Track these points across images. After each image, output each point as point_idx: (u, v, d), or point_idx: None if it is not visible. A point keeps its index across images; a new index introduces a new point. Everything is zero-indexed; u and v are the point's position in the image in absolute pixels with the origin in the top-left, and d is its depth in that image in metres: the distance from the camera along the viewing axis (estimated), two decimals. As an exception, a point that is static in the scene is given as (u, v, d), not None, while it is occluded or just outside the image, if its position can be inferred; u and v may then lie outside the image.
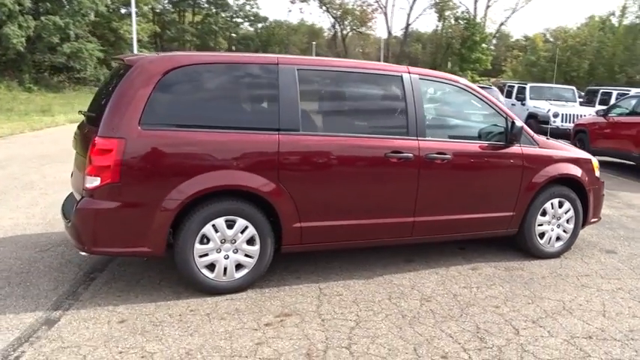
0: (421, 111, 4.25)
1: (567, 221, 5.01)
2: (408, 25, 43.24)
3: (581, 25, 45.08)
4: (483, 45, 42.90)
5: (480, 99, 4.61)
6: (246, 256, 3.88)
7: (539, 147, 4.79)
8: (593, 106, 16.42)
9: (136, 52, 26.34)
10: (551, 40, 50.55)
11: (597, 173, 5.18)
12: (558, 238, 5.00)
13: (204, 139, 3.67)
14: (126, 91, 3.56)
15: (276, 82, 3.86)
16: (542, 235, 4.92)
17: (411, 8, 47.29)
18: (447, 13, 44.78)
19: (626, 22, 41.12)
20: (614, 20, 42.52)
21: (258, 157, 3.79)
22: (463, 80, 4.69)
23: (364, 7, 41.57)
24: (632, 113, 10.24)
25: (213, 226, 3.74)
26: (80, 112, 4.33)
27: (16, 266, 4.32)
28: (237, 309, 3.66)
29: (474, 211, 4.56)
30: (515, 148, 4.62)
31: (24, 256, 4.57)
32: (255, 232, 3.85)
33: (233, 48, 44.83)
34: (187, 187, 3.61)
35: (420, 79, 4.35)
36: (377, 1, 41.61)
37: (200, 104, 3.78)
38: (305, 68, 4.00)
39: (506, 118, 4.62)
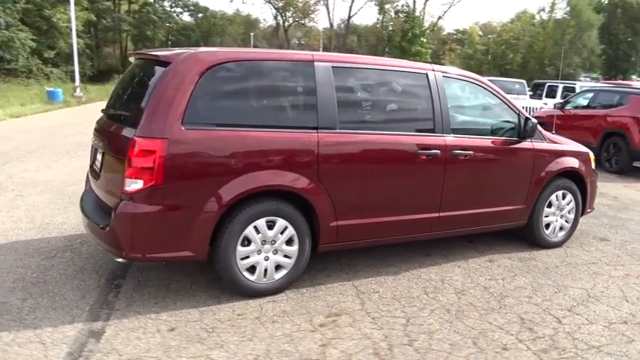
0: (446, 108, 4.33)
1: (569, 212, 5.26)
2: (349, 17, 43.64)
3: (510, 19, 47.25)
4: (423, 39, 43.91)
5: (495, 95, 4.74)
6: (285, 256, 3.82)
7: (547, 142, 4.99)
8: (541, 99, 17.21)
9: (75, 42, 25.09)
10: (481, 34, 52.53)
11: (593, 165, 5.46)
12: (561, 229, 5.24)
13: (247, 139, 3.58)
14: (167, 88, 3.40)
15: (313, 80, 3.81)
16: (547, 225, 5.14)
17: (353, 1, 47.38)
18: (387, 6, 45.54)
19: (555, 17, 43.29)
20: (545, 15, 44.73)
21: (299, 156, 3.73)
22: (479, 77, 4.81)
23: (307, -1, 41.67)
24: (589, 107, 10.83)
25: (255, 227, 3.66)
26: (103, 110, 4.09)
27: (29, 275, 4.05)
28: (284, 311, 3.60)
29: (490, 205, 4.70)
30: (527, 143, 4.79)
31: (31, 264, 4.29)
32: (295, 232, 3.80)
33: (171, 38, 43.64)
34: (232, 188, 3.51)
35: (444, 76, 4.42)
36: (319, -7, 41.77)
37: (240, 102, 3.67)
38: (339, 65, 3.97)
39: (519, 115, 4.78)
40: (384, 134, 4.08)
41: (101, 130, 4.00)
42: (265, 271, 3.76)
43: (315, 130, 3.78)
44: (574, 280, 4.37)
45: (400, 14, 44.62)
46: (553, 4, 43.55)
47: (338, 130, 3.85)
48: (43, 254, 4.52)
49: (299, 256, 3.85)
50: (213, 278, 4.02)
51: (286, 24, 43.32)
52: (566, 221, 5.27)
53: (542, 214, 5.05)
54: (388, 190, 4.14)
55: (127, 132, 3.50)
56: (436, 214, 4.38)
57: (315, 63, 3.86)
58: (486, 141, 4.60)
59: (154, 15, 41.33)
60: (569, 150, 5.16)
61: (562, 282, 4.32)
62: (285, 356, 3.03)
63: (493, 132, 4.71)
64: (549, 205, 5.10)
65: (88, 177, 4.54)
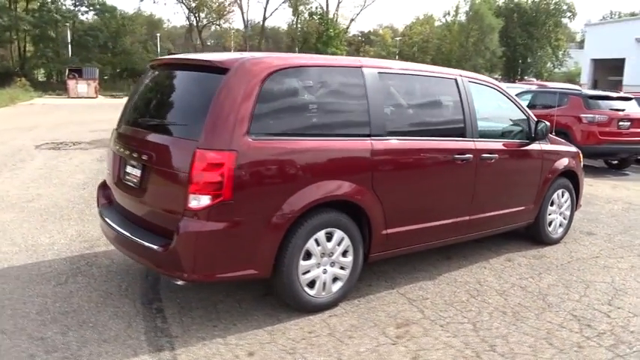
0: (474, 113, 4.41)
1: (566, 209, 5.56)
2: (264, 18, 43.40)
3: (412, 23, 49.11)
4: (338, 40, 44.67)
5: (508, 98, 4.90)
6: (341, 268, 3.72)
7: (550, 143, 5.23)
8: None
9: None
10: (378, 37, 54.16)
11: (581, 164, 5.81)
12: (560, 225, 5.52)
13: (310, 148, 3.44)
14: (230, 96, 3.18)
15: (364, 86, 3.74)
16: (550, 223, 5.39)
17: (267, 2, 47.14)
18: (301, 8, 45.78)
19: (459, 20, 45.65)
20: (450, 19, 47.04)
21: (357, 165, 3.65)
22: (495, 81, 4.95)
23: (221, 0, 40.81)
24: (530, 107, 11.50)
25: (316, 240, 3.52)
26: (141, 120, 3.73)
27: (52, 305, 3.64)
28: (352, 325, 3.50)
29: (509, 206, 4.85)
30: (536, 145, 5.00)
31: (46, 292, 3.86)
32: (350, 243, 3.70)
33: (76, 38, 40.95)
34: (298, 200, 3.36)
35: (469, 81, 4.50)
36: (232, -6, 41.13)
37: (298, 110, 3.52)
38: (383, 71, 3.92)
39: (528, 117, 4.98)
40: (425, 140, 4.09)
41: (133, 140, 3.66)
42: (324, 284, 3.63)
43: (369, 138, 3.71)
44: (593, 275, 4.61)
45: (314, 16, 45.07)
46: (457, 8, 46.01)
47: (387, 137, 3.80)
48: (52, 280, 4.08)
49: (353, 267, 3.76)
50: (258, 294, 3.85)
51: (200, 25, 42.21)
52: (564, 218, 5.56)
53: (547, 212, 5.29)
54: (430, 195, 4.16)
55: (181, 143, 3.23)
56: (468, 217, 4.46)
57: (364, 69, 3.79)
58: (505, 144, 4.74)
59: (57, 14, 38.61)
60: (566, 150, 5.45)
61: (584, 277, 4.54)
62: (385, 373, 2.93)
63: (509, 135, 4.86)
64: (552, 204, 5.35)
65: (102, 191, 4.16)
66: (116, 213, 3.89)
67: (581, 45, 55.47)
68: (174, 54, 4.41)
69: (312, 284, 3.58)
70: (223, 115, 3.14)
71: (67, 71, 34.54)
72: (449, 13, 46.85)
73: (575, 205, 5.67)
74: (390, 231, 3.89)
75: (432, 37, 44.67)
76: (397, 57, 40.87)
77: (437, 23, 48.83)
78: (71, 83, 31.99)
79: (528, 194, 5.03)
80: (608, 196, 8.15)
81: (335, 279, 3.71)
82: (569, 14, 48.65)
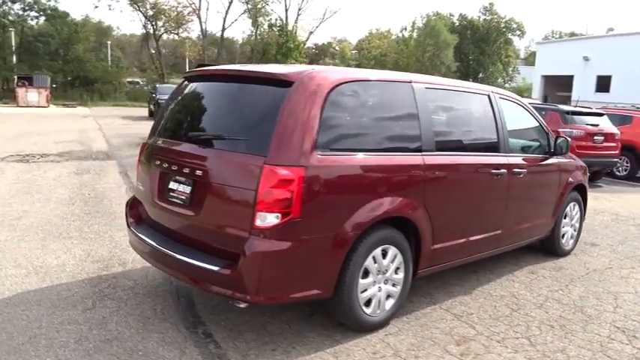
0: (505, 128, 4.46)
1: (576, 221, 5.69)
2: (223, 29, 42.95)
3: (365, 37, 49.77)
4: (297, 52, 44.75)
5: (530, 114, 4.99)
6: (393, 285, 3.65)
7: (564, 158, 5.35)
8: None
9: None
10: (337, 50, 54.82)
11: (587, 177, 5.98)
12: (571, 237, 5.65)
13: (373, 164, 3.37)
14: (297, 110, 3.07)
15: (414, 101, 3.71)
16: (563, 235, 5.50)
17: (227, 12, 46.60)
18: (260, 19, 45.61)
19: (415, 36, 46.72)
20: (406, 33, 48.07)
21: (412, 181, 3.60)
22: (518, 97, 5.02)
23: (180, 9, 40.12)
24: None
25: (373, 257, 3.45)
26: (190, 133, 3.53)
27: (88, 332, 3.40)
28: (412, 344, 3.43)
29: (532, 220, 4.92)
30: (555, 160, 5.10)
31: (76, 318, 3.61)
32: (402, 260, 3.65)
33: (22, 43, 39.22)
34: (361, 217, 3.28)
35: (500, 98, 4.55)
36: (191, 4, 40.41)
37: (358, 124, 3.44)
38: (429, 87, 3.91)
39: (547, 132, 5.08)
40: (467, 155, 4.10)
41: (180, 155, 3.46)
42: (378, 302, 3.55)
43: (420, 153, 3.67)
44: (615, 286, 4.72)
45: (274, 28, 44.97)
46: (414, 23, 47.08)
47: (436, 152, 3.78)
48: (78, 305, 3.82)
49: (404, 283, 3.71)
50: (304, 314, 3.74)
51: (157, 33, 41.31)
52: (574, 230, 5.69)
53: (561, 225, 5.40)
54: (471, 210, 4.16)
55: (244, 159, 3.09)
56: (500, 232, 4.48)
57: (413, 84, 3.76)
58: (530, 158, 4.81)
59: (4, 18, 36.89)
60: (577, 164, 5.58)
61: (609, 288, 4.64)
62: (467, 393, 2.87)
63: (530, 149, 4.94)
64: (565, 216, 5.46)
65: (131, 208, 3.94)
66: (154, 231, 3.68)
67: (525, 62, 57.86)
68: (206, 65, 4.18)
69: (367, 303, 3.49)
70: (291, 129, 3.03)
71: (15, 79, 33.00)
72: (405, 29, 47.98)
73: (583, 217, 5.82)
74: (436, 246, 3.86)
75: (389, 51, 45.49)
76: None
77: (392, 37, 49.79)
78: (21, 91, 30.52)
79: (548, 207, 5.12)
80: (593, 207, 8.41)
81: (387, 296, 3.63)
82: (518, 32, 50.64)
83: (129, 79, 46.92)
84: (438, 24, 43.82)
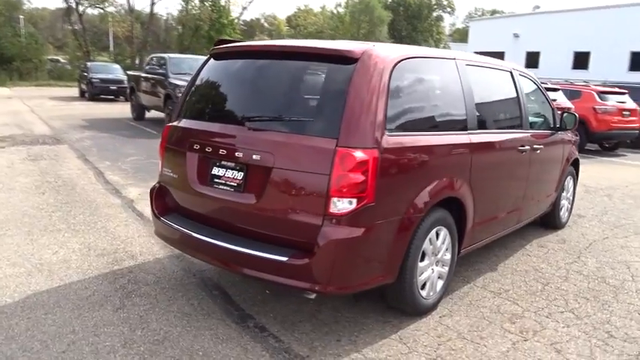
0: (526, 105, 4.49)
1: (571, 195, 5.88)
2: (153, 4, 40.92)
3: (294, 13, 49.15)
4: (231, 28, 43.52)
5: (540, 90, 5.05)
6: (442, 266, 3.61)
7: (564, 133, 5.48)
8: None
9: None
10: (272, 26, 54.09)
11: (576, 151, 6.16)
12: (567, 210, 5.84)
13: (434, 144, 3.29)
14: (364, 89, 2.90)
15: (459, 78, 3.64)
16: (561, 209, 5.68)
17: (155, -14, 44.50)
18: (191, -6, 43.86)
19: (350, 11, 46.67)
20: (341, 10, 47.97)
21: (463, 160, 3.55)
22: (531, 73, 5.05)
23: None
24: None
25: (429, 239, 3.37)
26: (239, 115, 3.24)
27: (132, 335, 3.14)
28: (470, 325, 3.41)
29: (544, 194, 5.02)
30: (560, 135, 5.21)
31: (111, 319, 3.33)
32: (450, 240, 3.60)
33: None
34: (424, 199, 3.19)
35: (520, 75, 4.56)
36: (115, -23, 38.19)
37: (418, 103, 3.33)
38: (469, 64, 3.85)
39: (554, 108, 5.17)
40: (500, 132, 4.09)
41: (227, 138, 3.20)
42: (431, 284, 3.50)
43: (467, 131, 3.61)
44: (621, 255, 4.93)
45: (206, 3, 43.41)
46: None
47: (477, 131, 3.74)
48: (105, 305, 3.52)
49: (451, 264, 3.67)
50: (348, 301, 3.63)
51: (81, 8, 38.79)
52: (569, 203, 5.88)
53: (561, 198, 5.56)
54: (502, 187, 4.18)
55: (311, 142, 2.89)
56: (521, 207, 4.54)
57: (457, 61, 3.68)
58: (543, 134, 4.88)
59: None
60: (572, 138, 5.74)
61: (617, 258, 4.84)
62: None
63: (542, 125, 5.00)
64: (563, 190, 5.62)
65: (159, 197, 3.65)
66: (191, 220, 3.42)
67: (451, 38, 59.43)
68: (229, 41, 3.80)
69: (423, 286, 3.42)
70: (361, 109, 2.86)
71: None
72: (340, 4, 47.82)
73: (575, 190, 6.02)
74: (476, 225, 3.84)
75: (325, 28, 45.27)
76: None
77: (327, 14, 49.48)
78: None
79: (554, 182, 5.24)
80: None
81: (438, 278, 3.58)
82: (449, 9, 51.86)
83: (50, 57, 43.94)
84: (372, 0, 43.99)
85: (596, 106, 11.90)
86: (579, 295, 3.94)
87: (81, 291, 3.72)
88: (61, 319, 3.30)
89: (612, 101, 12.27)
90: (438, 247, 3.46)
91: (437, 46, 52.09)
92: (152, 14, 41.43)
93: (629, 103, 12.53)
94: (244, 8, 44.77)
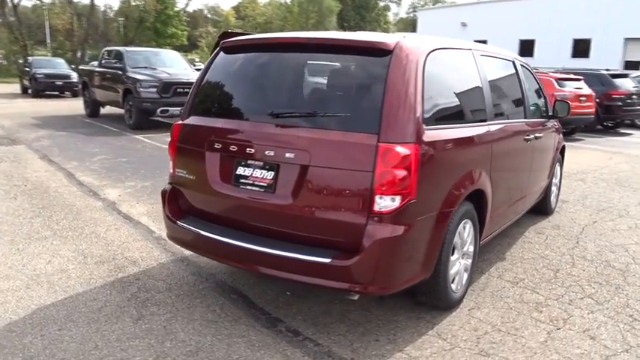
0: (526, 94, 4.53)
1: (558, 181, 6.02)
2: (94, -5, 39.22)
3: (242, 2, 48.21)
4: (177, 20, 42.46)
5: (534, 78, 5.11)
6: (467, 259, 3.59)
7: (556, 120, 5.58)
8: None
9: None
10: (214, 17, 53.04)
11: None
12: (555, 196, 5.98)
13: (464, 136, 3.25)
14: (402, 82, 2.82)
15: (477, 69, 3.61)
16: (551, 195, 5.80)
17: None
18: (135, -16, 42.35)
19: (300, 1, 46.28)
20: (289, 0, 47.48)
21: (485, 152, 3.54)
22: (527, 62, 5.09)
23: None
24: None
25: (459, 232, 3.35)
26: (278, 115, 3.04)
27: (162, 347, 2.97)
28: (501, 316, 3.42)
29: (539, 182, 5.11)
30: (552, 122, 5.30)
31: (134, 332, 3.14)
32: (473, 232, 3.59)
33: None
34: (457, 193, 3.16)
35: (521, 65, 4.60)
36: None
37: (448, 95, 3.28)
38: (483, 54, 3.84)
39: (546, 96, 5.25)
40: (511, 122, 4.11)
41: (254, 136, 3.04)
42: (460, 278, 3.48)
43: (486, 122, 3.60)
44: (616, 238, 5.08)
45: (150, -6, 42.04)
46: (296, -10, 46.62)
47: (494, 121, 3.73)
48: (122, 317, 3.32)
49: (474, 255, 3.67)
50: (371, 298, 3.54)
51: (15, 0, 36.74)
52: (557, 189, 6.02)
53: (552, 185, 5.67)
54: (513, 176, 4.21)
55: (350, 137, 2.79)
56: (526, 195, 4.59)
57: (473, 51, 3.65)
58: (540, 122, 4.95)
59: None
60: (559, 126, 5.87)
61: (613, 241, 4.98)
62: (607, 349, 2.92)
63: (537, 113, 5.05)
64: (554, 176, 5.75)
65: (173, 200, 3.46)
66: (212, 223, 3.25)
67: (395, 28, 60.08)
68: (237, 34, 3.60)
69: (452, 280, 3.39)
70: (400, 102, 2.78)
71: None
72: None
73: (561, 176, 6.17)
74: (493, 216, 3.84)
75: (274, 19, 44.80)
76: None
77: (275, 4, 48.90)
78: None
79: (547, 169, 5.34)
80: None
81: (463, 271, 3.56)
82: (395, -1, 52.32)
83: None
84: (321, -9, 43.88)
85: (556, 93, 12.26)
86: (591, 280, 4.02)
87: (90, 302, 3.49)
88: (78, 334, 3.07)
89: (570, 88, 12.68)
90: (464, 240, 3.44)
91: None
92: (93, 6, 39.76)
93: (585, 89, 12.98)
94: (190, -1, 43.64)
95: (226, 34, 3.70)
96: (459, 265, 3.41)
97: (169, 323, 3.22)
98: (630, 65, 27.56)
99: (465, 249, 3.49)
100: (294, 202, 2.89)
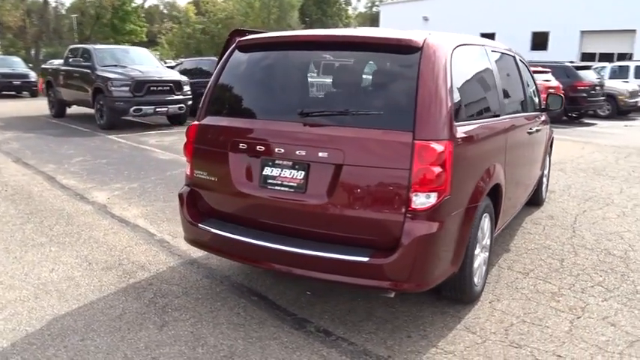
0: (525, 88, 4.63)
1: (548, 171, 6.18)
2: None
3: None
4: (136, 16, 41.43)
5: (529, 72, 5.21)
6: (485, 252, 3.65)
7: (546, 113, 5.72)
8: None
9: None
10: (171, 13, 51.97)
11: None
12: (545, 187, 6.13)
13: (488, 131, 3.30)
14: (433, 78, 2.83)
15: (490, 64, 3.67)
16: (542, 185, 5.95)
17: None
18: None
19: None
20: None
21: (503, 145, 3.60)
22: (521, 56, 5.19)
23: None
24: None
25: (481, 227, 3.40)
26: (307, 114, 2.98)
27: (195, 354, 2.90)
28: (523, 307, 3.48)
29: (535, 174, 5.23)
30: (544, 115, 5.43)
31: (161, 339, 3.07)
32: (490, 225, 3.65)
33: None
34: (483, 187, 3.21)
35: (519, 60, 4.69)
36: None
37: (469, 91, 3.30)
38: (493, 50, 3.90)
39: (538, 90, 5.38)
40: (517, 116, 4.18)
41: (282, 135, 3.00)
42: (480, 271, 3.54)
43: (500, 117, 3.67)
44: (608, 227, 5.24)
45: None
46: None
47: (506, 116, 3.80)
48: (145, 323, 3.24)
49: (490, 248, 3.73)
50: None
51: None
52: (547, 180, 6.17)
53: (544, 176, 5.82)
54: (521, 168, 4.30)
55: (384, 135, 2.79)
56: (528, 186, 4.70)
57: (485, 47, 3.70)
58: (536, 115, 5.05)
59: None
60: (548, 119, 6.01)
61: (606, 229, 5.15)
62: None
63: (533, 107, 5.15)
64: (545, 168, 5.89)
65: (192, 203, 3.39)
66: (237, 226, 3.19)
67: (355, 22, 60.36)
68: (250, 32, 3.52)
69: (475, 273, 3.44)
70: (432, 99, 2.79)
71: None
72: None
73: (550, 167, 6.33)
74: (505, 208, 3.91)
75: (235, 14, 44.24)
76: (204, 35, 39.62)
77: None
78: None
79: (541, 161, 5.46)
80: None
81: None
82: (356, -7, 52.44)
83: None
84: (282, -15, 43.60)
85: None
86: (597, 269, 4.14)
87: (108, 310, 3.38)
88: (103, 344, 2.98)
89: (539, 80, 12.96)
90: (484, 233, 3.49)
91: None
92: (46, 2, 38.42)
93: (553, 82, 13.35)
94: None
95: (237, 32, 3.64)
96: (479, 258, 3.46)
97: (195, 328, 3.16)
98: (586, 57, 28.50)
99: (483, 242, 3.53)
100: (327, 201, 2.87)
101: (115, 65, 12.44)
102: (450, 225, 2.89)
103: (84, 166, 7.93)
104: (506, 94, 3.95)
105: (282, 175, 3.00)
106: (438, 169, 2.73)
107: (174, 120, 12.79)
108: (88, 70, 12.38)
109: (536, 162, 5.15)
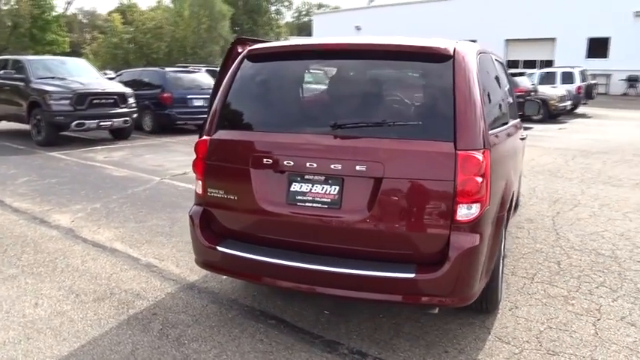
0: (513, 94, 4.72)
1: (522, 176, 6.35)
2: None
3: (119, 6, 46.01)
4: (57, 25, 39.42)
5: (509, 79, 5.33)
6: (503, 259, 3.66)
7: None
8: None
9: None
10: (107, 22, 50.20)
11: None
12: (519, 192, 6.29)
13: (509, 138, 3.31)
14: (467, 86, 2.79)
15: (497, 72, 3.71)
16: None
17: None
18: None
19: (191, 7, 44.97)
20: (179, 4, 45.89)
21: (513, 152, 3.64)
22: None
23: None
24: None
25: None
26: (340, 126, 2.81)
27: None
28: (543, 313, 3.50)
29: (518, 180, 5.34)
30: (521, 122, 5.57)
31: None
32: (504, 233, 3.66)
33: None
34: (509, 195, 3.21)
35: (503, 64, 4.78)
36: None
37: (493, 99, 3.30)
38: (492, 57, 3.92)
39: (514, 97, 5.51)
40: (515, 123, 4.26)
41: (312, 149, 2.84)
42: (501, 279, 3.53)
43: (508, 123, 3.70)
44: (586, 227, 5.44)
45: (25, -3, 38.65)
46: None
47: (512, 122, 3.85)
48: (165, 358, 2.96)
49: (503, 255, 3.73)
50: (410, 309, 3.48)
51: None
52: (519, 184, 6.33)
53: (520, 180, 5.96)
54: (515, 175, 4.32)
55: (423, 146, 2.71)
56: (516, 191, 4.77)
57: (490, 54, 3.72)
58: (519, 121, 5.16)
59: None
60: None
61: (586, 230, 5.33)
62: None
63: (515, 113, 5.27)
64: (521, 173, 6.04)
65: (207, 226, 3.17)
66: (262, 246, 3.01)
67: (289, 32, 60.68)
68: (257, 40, 3.29)
69: (498, 282, 3.43)
70: (468, 108, 2.75)
71: None
72: (172, -1, 45.75)
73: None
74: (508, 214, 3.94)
75: (164, 23, 43.07)
76: (132, 45, 38.25)
77: (163, 8, 47.10)
78: None
79: (521, 165, 5.59)
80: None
81: (492, 270, 3.61)
82: (287, 3, 52.73)
83: None
84: (212, -5, 42.99)
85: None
86: (594, 269, 4.26)
87: (117, 347, 3.08)
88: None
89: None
90: (503, 242, 3.48)
91: (278, 40, 52.82)
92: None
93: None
94: (68, 3, 40.90)
95: (240, 41, 3.45)
96: (501, 266, 3.45)
97: (219, 354, 2.93)
98: (511, 64, 29.98)
99: (503, 250, 3.53)
100: (367, 216, 2.74)
101: (52, 77, 11.68)
102: (487, 235, 2.85)
103: (33, 187, 7.34)
104: (505, 101, 4.00)
105: (313, 190, 2.85)
106: (480, 179, 2.68)
107: (118, 134, 12.18)
108: (22, 83, 11.55)
109: (519, 168, 5.26)
